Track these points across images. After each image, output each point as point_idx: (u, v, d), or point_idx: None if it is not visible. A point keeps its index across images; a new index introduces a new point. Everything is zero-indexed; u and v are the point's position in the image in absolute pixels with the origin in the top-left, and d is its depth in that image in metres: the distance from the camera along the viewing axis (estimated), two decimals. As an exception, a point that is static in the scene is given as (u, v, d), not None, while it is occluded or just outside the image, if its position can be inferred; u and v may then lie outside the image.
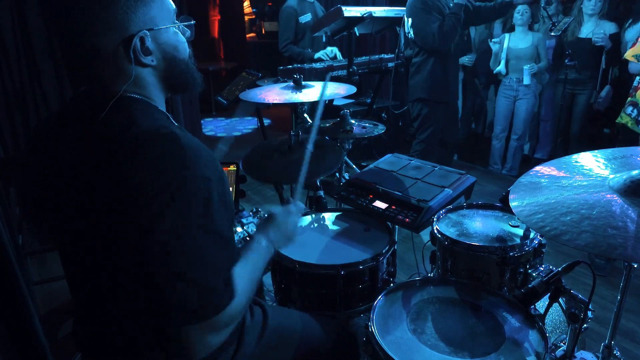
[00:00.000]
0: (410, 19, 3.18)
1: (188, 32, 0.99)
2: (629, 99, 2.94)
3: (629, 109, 2.89)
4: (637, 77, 2.91)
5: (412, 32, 3.23)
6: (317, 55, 4.04)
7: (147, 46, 0.88)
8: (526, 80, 4.04)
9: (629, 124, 2.90)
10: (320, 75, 3.48)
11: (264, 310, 1.25)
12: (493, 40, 4.26)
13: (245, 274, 0.97)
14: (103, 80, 0.89)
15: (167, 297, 0.83)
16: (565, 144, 4.19)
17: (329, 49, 4.11)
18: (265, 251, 1.10)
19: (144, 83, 0.93)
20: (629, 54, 2.96)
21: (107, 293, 0.95)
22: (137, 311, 0.93)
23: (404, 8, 3.64)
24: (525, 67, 3.99)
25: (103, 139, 0.85)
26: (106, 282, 0.94)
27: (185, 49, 0.98)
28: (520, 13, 3.96)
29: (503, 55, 4.13)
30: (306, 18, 4.06)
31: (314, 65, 3.60)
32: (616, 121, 3.01)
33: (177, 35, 0.96)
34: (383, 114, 4.21)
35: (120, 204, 0.82)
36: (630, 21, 3.57)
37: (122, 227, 0.84)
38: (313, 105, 4.17)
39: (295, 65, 3.71)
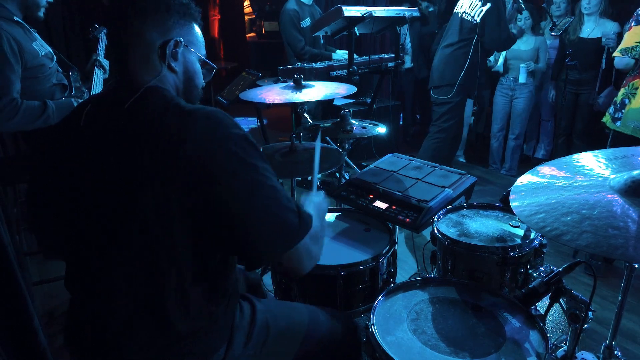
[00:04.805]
0: (488, 4, 3.09)
1: (201, 75, 1.19)
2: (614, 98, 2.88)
3: (611, 108, 2.84)
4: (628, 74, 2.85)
5: (479, 16, 3.13)
6: (335, 57, 4.03)
7: (177, 51, 1.07)
8: (522, 78, 4.03)
9: (608, 122, 2.85)
10: (320, 75, 3.47)
11: (253, 307, 1.21)
12: None
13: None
14: (134, 73, 1.04)
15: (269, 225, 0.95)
16: (568, 144, 4.14)
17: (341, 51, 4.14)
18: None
19: (167, 83, 1.08)
20: (616, 51, 2.89)
21: (176, 270, 0.96)
22: (204, 274, 1.00)
23: (404, 8, 3.62)
24: (522, 65, 3.99)
25: (146, 115, 0.96)
26: (176, 255, 0.95)
27: (201, 80, 1.18)
28: (522, 21, 3.96)
29: (503, 54, 4.12)
30: (306, 23, 4.04)
31: (314, 65, 3.60)
32: (602, 120, 2.92)
33: (197, 64, 1.16)
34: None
35: (186, 168, 0.91)
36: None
37: (197, 186, 0.91)
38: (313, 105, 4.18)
39: (295, 65, 3.70)
